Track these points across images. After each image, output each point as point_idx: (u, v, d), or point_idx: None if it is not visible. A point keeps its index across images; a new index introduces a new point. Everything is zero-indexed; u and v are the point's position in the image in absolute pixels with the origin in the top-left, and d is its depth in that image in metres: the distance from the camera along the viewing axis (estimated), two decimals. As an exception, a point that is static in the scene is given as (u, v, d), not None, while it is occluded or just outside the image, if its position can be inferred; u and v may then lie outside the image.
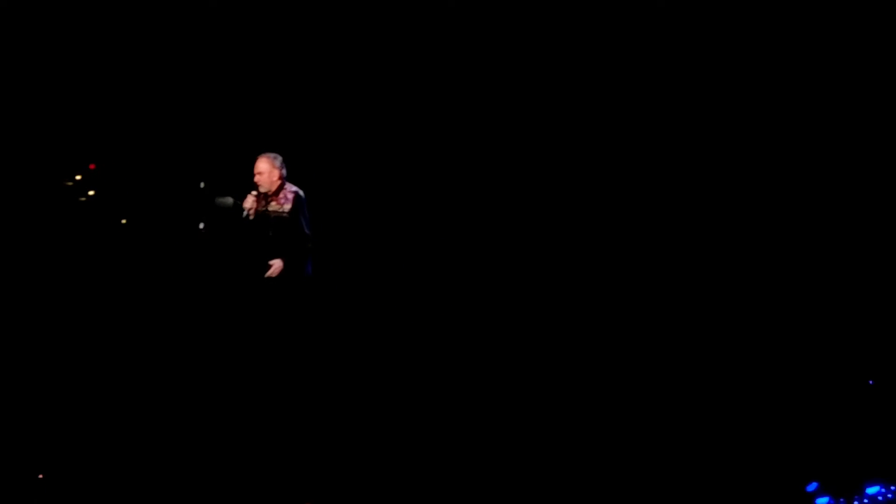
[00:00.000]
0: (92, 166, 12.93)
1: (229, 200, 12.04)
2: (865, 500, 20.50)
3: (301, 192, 12.02)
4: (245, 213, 11.84)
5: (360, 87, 14.75)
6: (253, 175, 11.92)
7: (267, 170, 11.92)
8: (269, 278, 12.01)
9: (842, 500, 20.30)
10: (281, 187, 11.96)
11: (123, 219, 13.16)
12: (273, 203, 11.98)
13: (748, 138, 16.99)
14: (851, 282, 17.82)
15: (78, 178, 12.89)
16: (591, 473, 16.35)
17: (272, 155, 11.98)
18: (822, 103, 16.19)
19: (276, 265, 11.86)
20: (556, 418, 17.27)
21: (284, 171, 11.96)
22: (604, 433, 16.30)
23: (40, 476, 12.40)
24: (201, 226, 12.06)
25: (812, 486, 20.26)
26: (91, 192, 12.93)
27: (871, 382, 18.79)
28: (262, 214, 11.98)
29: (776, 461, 19.22)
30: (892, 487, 20.27)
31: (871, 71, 16.06)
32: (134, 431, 12.83)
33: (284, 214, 12.00)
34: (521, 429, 16.54)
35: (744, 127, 16.69)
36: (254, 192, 11.86)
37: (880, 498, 20.41)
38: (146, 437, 12.83)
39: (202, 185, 12.17)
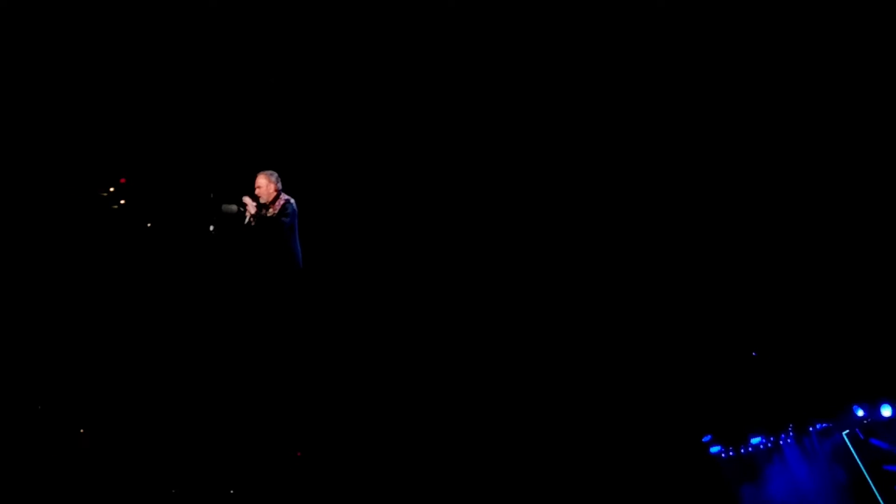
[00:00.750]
0: (122, 180, 13.05)
1: (233, 207, 12.20)
2: (750, 448, 21.27)
3: (293, 201, 12.31)
4: (247, 219, 12.11)
5: (349, 94, 14.86)
6: (254, 188, 12.18)
7: (265, 184, 12.22)
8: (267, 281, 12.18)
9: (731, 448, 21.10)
10: (277, 198, 12.24)
11: (149, 223, 13.30)
12: (270, 210, 12.20)
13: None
14: (744, 273, 18.29)
15: (112, 189, 13.03)
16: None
17: (269, 172, 12.33)
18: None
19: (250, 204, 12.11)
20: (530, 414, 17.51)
21: (280, 185, 12.26)
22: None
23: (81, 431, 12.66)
24: (211, 228, 12.21)
25: (707, 438, 21.02)
26: (122, 202, 13.07)
27: (754, 354, 19.46)
28: (260, 220, 12.13)
29: (680, 419, 19.90)
30: (772, 438, 21.03)
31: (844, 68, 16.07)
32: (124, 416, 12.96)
33: (278, 220, 12.12)
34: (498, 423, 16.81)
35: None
36: (254, 202, 12.09)
37: (761, 447, 21.18)
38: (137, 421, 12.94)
39: (212, 195, 12.33)
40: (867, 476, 21.96)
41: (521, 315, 17.79)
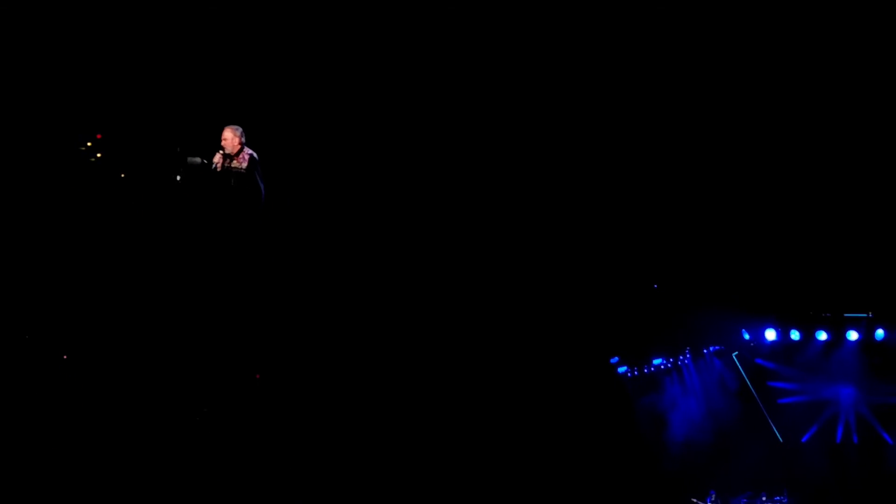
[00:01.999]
0: (99, 136, 13.52)
1: (198, 160, 12.61)
2: (652, 368, 22.44)
3: (255, 154, 12.73)
4: (213, 166, 12.53)
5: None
6: (220, 140, 12.60)
7: (230, 137, 12.62)
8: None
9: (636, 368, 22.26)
10: (241, 150, 12.65)
11: (122, 173, 13.87)
12: (235, 162, 12.66)
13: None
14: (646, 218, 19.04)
15: (89, 144, 13.50)
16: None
17: (234, 126, 12.70)
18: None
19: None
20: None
21: (244, 139, 12.63)
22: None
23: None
24: (178, 178, 12.75)
25: (615, 360, 22.14)
26: (98, 155, 13.55)
27: (655, 286, 20.59)
28: (226, 169, 12.63)
29: (591, 343, 20.88)
30: (671, 359, 22.23)
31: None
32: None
33: (242, 170, 12.66)
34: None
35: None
36: (220, 152, 12.56)
37: (661, 367, 22.36)
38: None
39: (178, 148, 12.85)
40: (754, 392, 23.32)
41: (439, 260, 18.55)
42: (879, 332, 21.47)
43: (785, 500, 21.48)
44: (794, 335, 21.96)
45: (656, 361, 22.65)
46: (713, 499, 21.30)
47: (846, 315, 21.61)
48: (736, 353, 22.73)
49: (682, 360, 22.72)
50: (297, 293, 15.39)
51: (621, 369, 22.59)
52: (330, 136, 15.77)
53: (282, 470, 14.79)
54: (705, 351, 22.63)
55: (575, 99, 17.35)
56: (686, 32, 16.32)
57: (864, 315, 21.56)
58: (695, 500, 21.18)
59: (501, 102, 17.13)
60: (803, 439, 22.59)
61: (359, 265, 17.16)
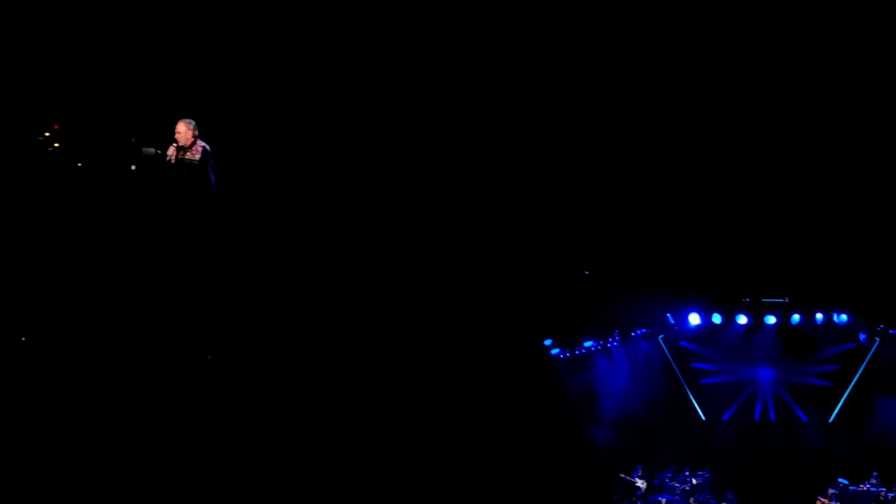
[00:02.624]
0: (56, 126, 13.67)
1: (152, 150, 12.75)
2: (583, 350, 22.92)
3: (208, 147, 12.79)
4: (167, 158, 12.62)
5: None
6: (174, 133, 12.65)
7: (183, 130, 12.65)
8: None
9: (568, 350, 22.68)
10: (194, 143, 12.70)
11: (79, 163, 13.93)
12: (188, 154, 12.72)
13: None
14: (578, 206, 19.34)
15: (47, 134, 13.65)
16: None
17: (188, 120, 12.72)
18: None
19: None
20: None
21: (197, 132, 12.68)
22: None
23: None
24: (133, 168, 13.12)
25: (549, 342, 22.58)
26: (56, 145, 13.72)
27: (586, 273, 20.97)
28: (179, 161, 12.69)
29: (525, 326, 21.15)
30: (601, 341, 22.71)
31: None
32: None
33: (196, 162, 12.74)
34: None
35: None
36: (174, 145, 12.62)
37: (593, 349, 22.86)
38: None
39: (133, 139, 13.18)
40: (678, 372, 24.01)
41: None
42: (795, 317, 22.31)
43: (707, 476, 22.25)
44: (717, 319, 22.73)
45: (587, 344, 23.26)
46: (640, 474, 21.99)
47: (765, 300, 22.41)
48: (662, 335, 23.49)
49: (612, 343, 23.40)
50: (249, 280, 15.59)
51: (554, 351, 23.04)
52: (282, 126, 15.89)
53: (234, 452, 14.91)
54: (633, 334, 23.42)
55: (511, 82, 17.44)
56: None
57: (782, 300, 22.37)
58: (623, 476, 21.89)
59: (443, 82, 17.26)
60: (724, 417, 23.37)
61: (303, 248, 17.31)
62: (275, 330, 16.51)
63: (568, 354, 23.22)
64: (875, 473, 21.25)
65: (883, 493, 20.49)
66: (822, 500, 20.14)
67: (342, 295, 18.34)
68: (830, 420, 22.85)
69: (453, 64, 17.02)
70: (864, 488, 20.96)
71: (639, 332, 23.22)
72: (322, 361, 18.25)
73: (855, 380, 22.70)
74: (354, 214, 18.03)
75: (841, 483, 21.22)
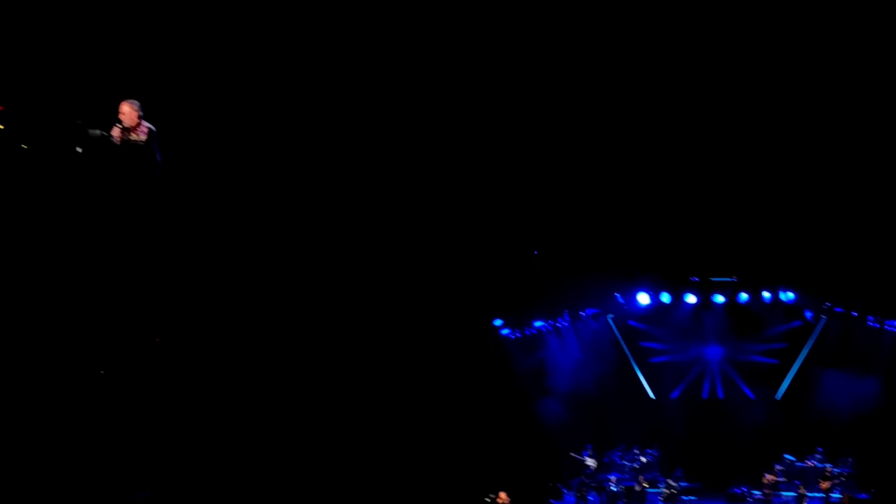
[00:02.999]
0: (1, 108, 13.47)
1: (98, 132, 12.44)
2: (533, 330, 23.05)
3: (153, 128, 12.58)
4: (113, 140, 12.41)
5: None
6: (118, 114, 12.39)
7: (128, 111, 12.41)
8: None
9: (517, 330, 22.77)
10: (139, 124, 12.46)
11: (24, 145, 13.60)
12: (133, 135, 12.52)
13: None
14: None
15: None
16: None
17: (132, 101, 12.46)
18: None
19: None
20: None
21: (141, 113, 12.46)
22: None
23: None
24: (79, 150, 12.70)
25: (499, 322, 22.70)
26: (1, 127, 13.52)
27: (536, 253, 21.10)
28: (124, 142, 12.54)
29: (475, 306, 21.30)
30: (551, 321, 22.87)
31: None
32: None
33: (141, 143, 12.59)
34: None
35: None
36: (118, 126, 12.37)
37: (542, 329, 22.99)
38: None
39: (79, 121, 12.68)
40: (627, 352, 24.25)
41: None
42: (743, 296, 22.58)
43: (656, 454, 22.51)
44: (665, 298, 22.97)
45: (537, 324, 23.38)
46: (590, 453, 22.16)
47: (713, 280, 22.66)
48: (611, 315, 23.67)
49: (562, 323, 23.53)
50: (195, 261, 15.53)
51: (504, 331, 23.21)
52: (224, 104, 15.82)
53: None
54: (582, 314, 23.53)
55: (451, 66, 17.36)
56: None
57: (730, 279, 22.64)
58: (573, 455, 22.06)
59: (390, 59, 17.18)
60: (672, 396, 23.64)
61: (251, 224, 17.27)
62: (220, 309, 16.46)
63: (518, 335, 23.34)
64: (820, 449, 21.56)
65: (829, 469, 20.79)
66: (769, 476, 20.40)
67: (288, 274, 18.33)
68: (777, 397, 23.08)
69: (402, 39, 16.90)
70: (811, 464, 21.27)
71: (588, 311, 23.35)
72: (267, 339, 18.25)
73: (801, 357, 22.92)
74: (300, 193, 17.95)
75: (788, 459, 21.53)
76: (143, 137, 12.72)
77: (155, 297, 14.24)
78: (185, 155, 14.11)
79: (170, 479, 15.23)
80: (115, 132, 12.62)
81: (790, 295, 22.43)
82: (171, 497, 14.98)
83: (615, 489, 20.73)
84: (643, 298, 22.95)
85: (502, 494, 19.30)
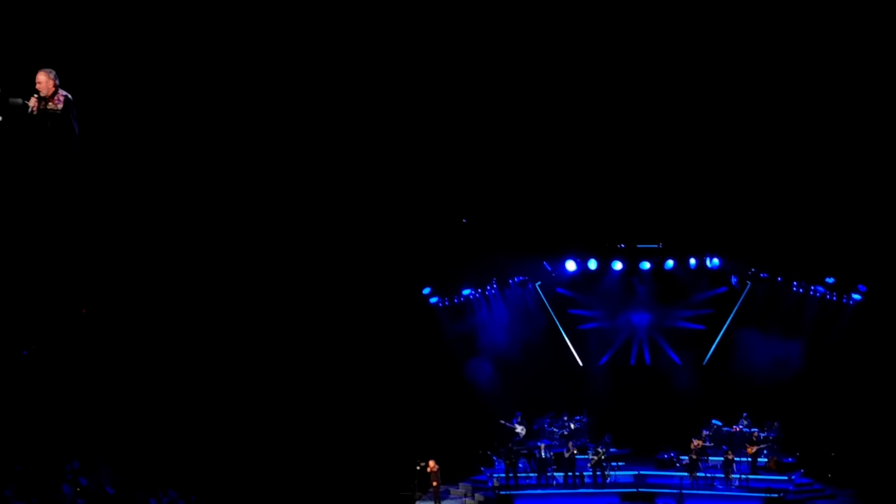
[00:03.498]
0: None
1: (19, 100, 12.16)
2: (462, 298, 23.13)
3: (70, 96, 12.23)
4: (30, 109, 12.09)
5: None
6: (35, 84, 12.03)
7: (44, 80, 12.07)
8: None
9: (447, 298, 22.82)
10: (55, 93, 12.16)
11: None
12: (50, 104, 12.17)
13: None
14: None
15: None
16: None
17: (48, 69, 12.12)
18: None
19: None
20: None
21: (58, 81, 12.14)
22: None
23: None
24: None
25: (427, 290, 22.76)
26: None
27: (464, 221, 21.11)
28: (42, 111, 12.19)
29: (403, 275, 21.35)
30: (479, 290, 22.95)
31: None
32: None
33: (58, 111, 12.25)
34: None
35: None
36: (35, 96, 12.04)
37: (471, 297, 23.07)
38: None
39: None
40: (555, 319, 24.36)
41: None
42: (669, 262, 22.81)
43: (584, 420, 22.66)
44: (592, 265, 23.12)
45: (465, 292, 23.43)
46: (519, 420, 22.26)
47: (639, 246, 22.85)
48: (539, 283, 23.78)
49: (490, 291, 23.61)
50: (114, 230, 15.29)
51: (433, 300, 23.27)
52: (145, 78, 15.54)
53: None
54: (511, 281, 23.61)
55: (383, 34, 17.10)
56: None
57: (656, 246, 22.85)
58: (503, 423, 22.16)
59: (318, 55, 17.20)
60: (600, 362, 23.84)
61: (170, 197, 17.08)
62: (143, 279, 16.30)
63: (447, 302, 23.36)
64: (745, 414, 21.89)
65: (755, 434, 21.12)
66: (697, 441, 20.66)
67: (209, 244, 18.19)
68: (704, 363, 23.35)
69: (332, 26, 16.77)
70: (738, 429, 21.58)
71: (516, 279, 23.43)
72: (196, 311, 18.12)
73: (727, 323, 23.20)
74: (226, 167, 17.80)
75: (715, 424, 21.82)
76: (59, 106, 12.39)
77: (78, 267, 14.02)
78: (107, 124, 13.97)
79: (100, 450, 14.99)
80: (32, 102, 12.36)
81: (716, 261, 22.62)
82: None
83: (545, 456, 20.80)
84: (570, 265, 23.08)
85: (432, 462, 19.38)
